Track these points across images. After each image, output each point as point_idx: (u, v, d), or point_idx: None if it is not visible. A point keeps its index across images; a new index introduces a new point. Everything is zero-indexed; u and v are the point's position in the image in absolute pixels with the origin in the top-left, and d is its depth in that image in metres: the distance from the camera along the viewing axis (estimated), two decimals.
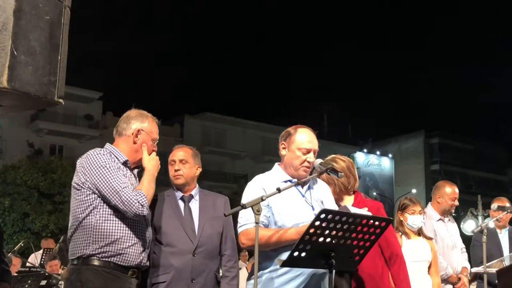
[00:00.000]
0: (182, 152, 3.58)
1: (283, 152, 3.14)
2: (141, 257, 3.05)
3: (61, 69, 1.51)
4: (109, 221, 2.95)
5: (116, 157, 3.07)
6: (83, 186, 2.96)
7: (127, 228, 2.98)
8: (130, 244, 2.98)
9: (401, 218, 4.45)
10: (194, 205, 3.52)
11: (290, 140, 3.10)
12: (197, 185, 3.64)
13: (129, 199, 2.87)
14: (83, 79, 28.67)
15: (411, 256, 4.36)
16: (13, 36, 1.45)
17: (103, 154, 3.02)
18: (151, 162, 3.12)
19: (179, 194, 3.54)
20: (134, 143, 3.13)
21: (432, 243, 4.49)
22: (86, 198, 2.96)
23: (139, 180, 3.11)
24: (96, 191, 2.94)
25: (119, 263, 2.95)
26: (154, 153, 3.19)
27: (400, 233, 4.44)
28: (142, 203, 2.90)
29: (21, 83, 1.40)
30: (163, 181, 3.81)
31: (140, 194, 2.92)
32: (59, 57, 1.51)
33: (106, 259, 2.92)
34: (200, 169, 3.62)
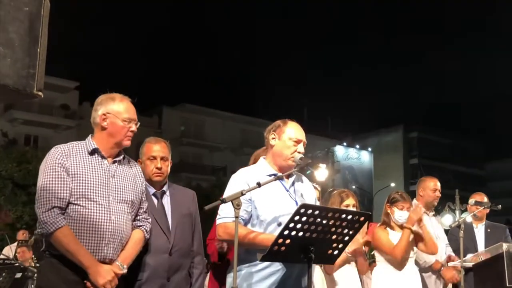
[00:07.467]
0: (162, 148, 3.42)
1: (272, 142, 3.12)
2: (103, 252, 2.85)
3: (40, 62, 1.48)
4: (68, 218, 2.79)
5: (86, 148, 2.96)
6: None
7: (82, 223, 2.80)
8: (87, 240, 2.81)
9: (389, 211, 4.50)
10: (166, 201, 3.42)
11: (281, 130, 3.11)
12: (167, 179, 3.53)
13: (43, 218, 2.72)
14: (60, 69, 28.16)
15: None
16: None
17: (55, 152, 2.87)
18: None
19: (151, 189, 3.39)
20: (104, 128, 2.98)
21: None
22: None
23: (116, 169, 2.98)
24: None
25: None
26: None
27: (385, 225, 4.50)
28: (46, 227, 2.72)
29: None
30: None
31: (53, 223, 2.70)
32: (38, 50, 1.48)
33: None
34: (171, 163, 3.53)
